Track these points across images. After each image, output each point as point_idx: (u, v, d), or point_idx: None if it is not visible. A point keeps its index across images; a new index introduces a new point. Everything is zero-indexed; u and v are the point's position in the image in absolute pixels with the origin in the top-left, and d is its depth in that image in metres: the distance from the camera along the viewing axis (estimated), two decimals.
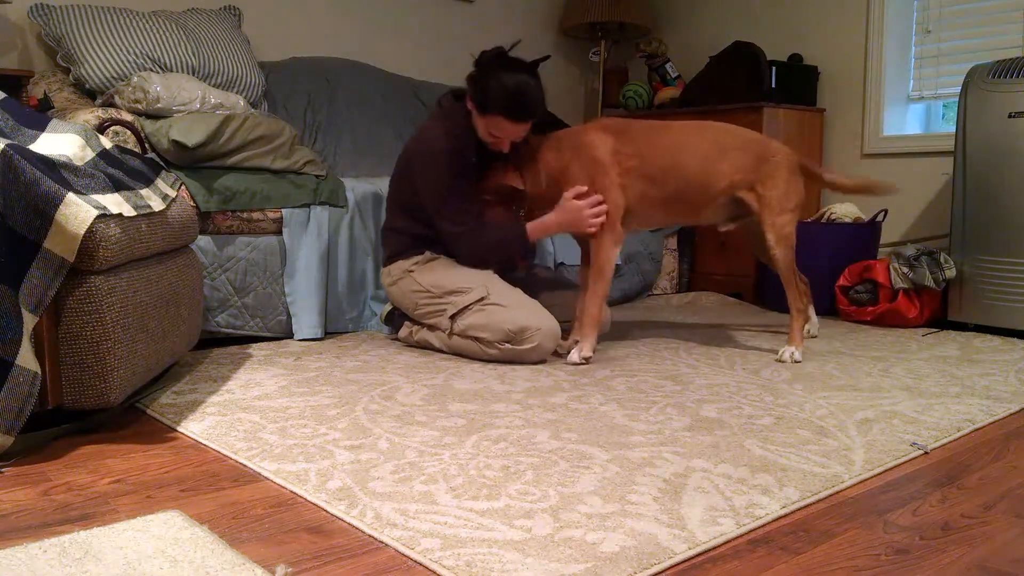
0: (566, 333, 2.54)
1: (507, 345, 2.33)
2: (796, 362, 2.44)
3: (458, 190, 2.42)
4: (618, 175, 2.44)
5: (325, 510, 1.31)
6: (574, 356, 2.37)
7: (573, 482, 1.42)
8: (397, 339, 2.68)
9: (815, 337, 2.82)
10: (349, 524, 1.25)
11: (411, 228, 2.54)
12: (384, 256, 2.62)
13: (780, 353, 2.47)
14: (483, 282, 2.42)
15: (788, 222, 2.52)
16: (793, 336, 2.50)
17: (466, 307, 2.38)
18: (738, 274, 3.75)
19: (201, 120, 2.53)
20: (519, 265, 2.70)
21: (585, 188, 2.40)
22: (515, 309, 2.34)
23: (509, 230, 2.46)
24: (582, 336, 2.43)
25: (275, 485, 1.42)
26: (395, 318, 2.66)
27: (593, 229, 2.40)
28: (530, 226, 2.44)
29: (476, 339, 2.37)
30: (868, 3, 3.69)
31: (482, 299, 2.38)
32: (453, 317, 2.41)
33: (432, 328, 2.51)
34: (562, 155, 2.46)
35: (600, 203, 2.40)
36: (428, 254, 2.53)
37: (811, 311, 2.84)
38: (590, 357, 2.39)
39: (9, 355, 1.51)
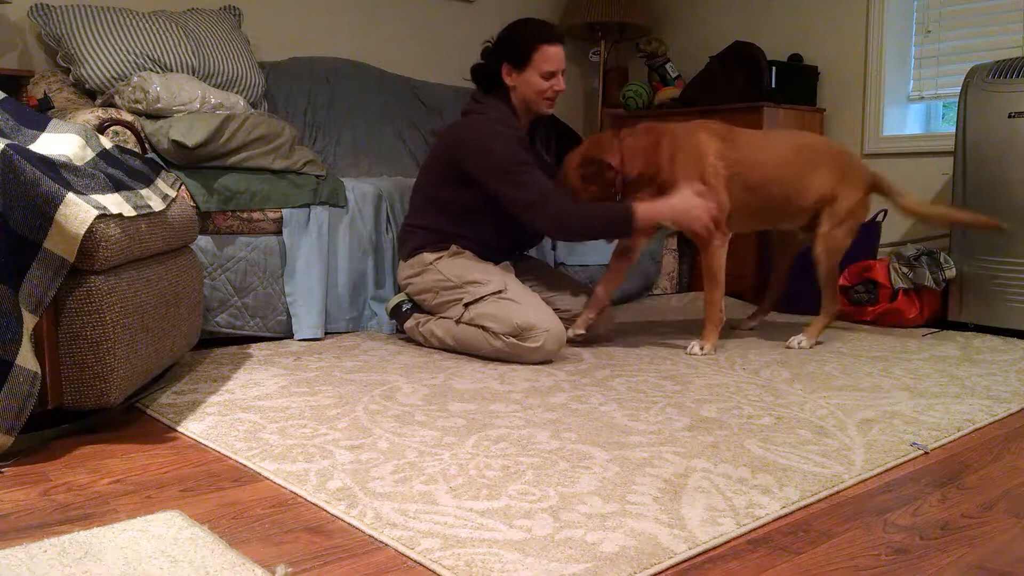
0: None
1: (512, 339, 2.34)
2: (801, 348, 2.63)
3: (526, 162, 2.44)
4: (724, 179, 2.53)
5: (325, 510, 1.31)
6: (695, 349, 2.55)
7: (573, 482, 1.42)
8: (402, 331, 2.69)
9: (752, 329, 2.90)
10: (349, 524, 1.25)
11: (440, 223, 2.58)
12: (406, 250, 2.64)
13: (790, 340, 2.67)
14: (502, 278, 2.47)
15: (843, 236, 2.65)
16: (810, 329, 2.69)
17: (482, 297, 2.42)
18: (738, 274, 3.75)
19: (201, 120, 2.53)
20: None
21: (704, 188, 2.46)
22: (527, 307, 2.37)
23: (616, 206, 2.45)
24: (704, 333, 2.58)
25: (275, 485, 1.42)
26: (401, 312, 2.67)
27: (701, 228, 2.45)
28: (642, 207, 2.39)
29: (483, 328, 2.39)
30: (868, 3, 3.69)
31: (499, 292, 2.42)
32: (468, 305, 2.44)
33: (441, 319, 2.53)
34: (664, 146, 2.51)
35: (707, 200, 2.46)
36: (454, 248, 2.57)
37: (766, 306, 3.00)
38: (711, 352, 2.55)
39: (9, 355, 1.51)
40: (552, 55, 2.51)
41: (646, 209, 2.39)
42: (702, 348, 2.54)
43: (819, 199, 2.61)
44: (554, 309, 2.59)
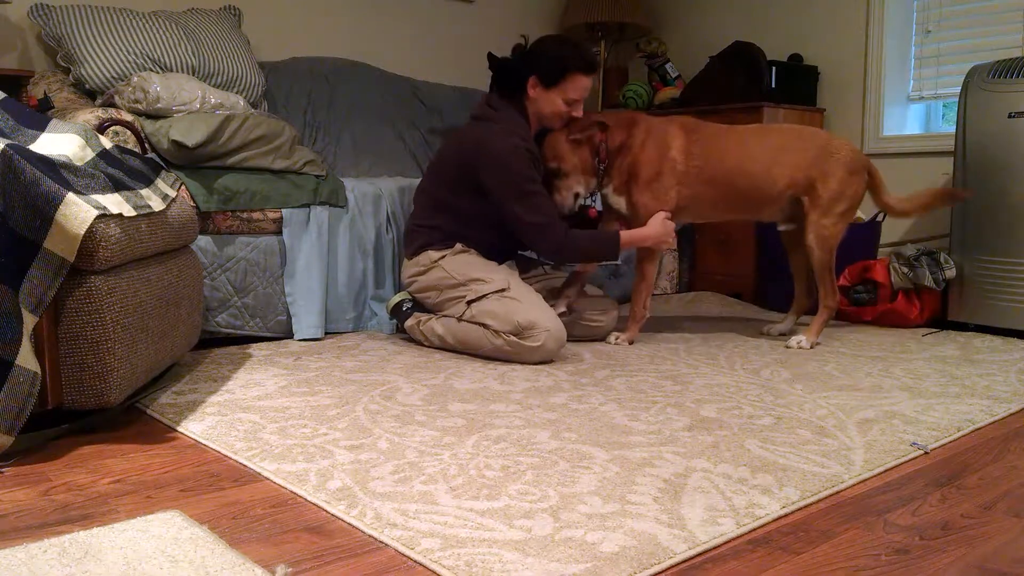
0: (585, 329, 2.70)
1: (513, 337, 2.34)
2: (801, 348, 2.62)
3: (536, 182, 2.49)
4: (680, 174, 2.59)
5: (325, 510, 1.31)
6: (619, 339, 2.68)
7: (573, 482, 1.42)
8: (402, 330, 2.69)
9: (782, 335, 2.86)
10: (349, 524, 1.26)
11: (446, 224, 2.59)
12: (411, 248, 2.65)
13: (789, 340, 2.67)
14: (506, 277, 2.48)
15: (832, 224, 2.63)
16: (811, 328, 2.67)
17: (485, 295, 2.43)
18: (738, 274, 3.75)
19: (201, 120, 2.53)
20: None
21: (669, 214, 2.60)
22: (529, 306, 2.38)
23: (602, 234, 2.56)
24: (627, 331, 2.70)
25: (275, 485, 1.42)
26: (401, 311, 2.67)
27: (667, 249, 2.63)
28: (625, 234, 2.55)
29: (484, 325, 2.39)
30: (868, 3, 3.69)
31: (502, 290, 2.42)
32: (471, 302, 2.44)
33: (443, 316, 2.53)
34: (640, 129, 2.61)
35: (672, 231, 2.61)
36: (459, 246, 2.58)
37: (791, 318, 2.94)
38: (631, 342, 2.69)
39: (9, 355, 1.51)
40: (582, 85, 2.55)
41: (629, 236, 2.56)
42: (616, 339, 2.67)
43: (790, 185, 2.61)
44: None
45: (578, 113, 2.59)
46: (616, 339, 2.68)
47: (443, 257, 2.56)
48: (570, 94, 2.54)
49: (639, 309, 2.69)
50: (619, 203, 2.66)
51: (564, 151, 2.59)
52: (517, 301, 2.39)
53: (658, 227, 2.57)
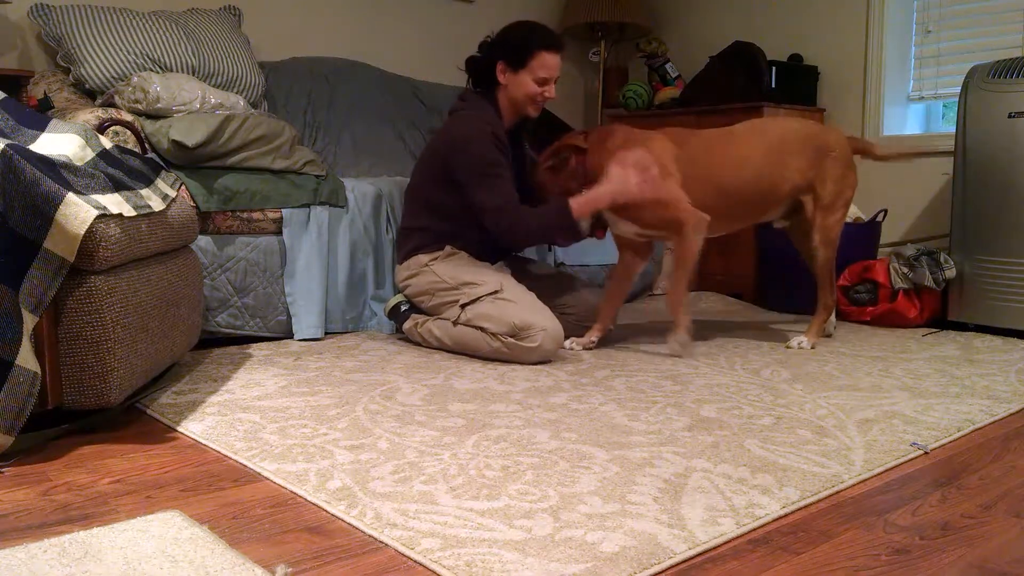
0: (583, 330, 2.64)
1: (510, 339, 2.34)
2: (801, 348, 2.60)
3: (498, 165, 2.45)
4: (679, 181, 2.45)
5: (325, 510, 1.31)
6: (675, 345, 2.47)
7: (573, 482, 1.42)
8: (401, 331, 2.69)
9: (829, 336, 2.81)
10: (349, 524, 1.26)
11: (434, 225, 2.59)
12: (402, 252, 2.65)
13: (790, 340, 2.65)
14: (498, 279, 2.47)
15: (837, 222, 2.62)
16: (812, 329, 2.67)
17: (479, 298, 2.42)
18: (738, 274, 3.75)
19: (201, 120, 2.53)
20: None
21: (643, 153, 2.36)
22: (524, 306, 2.37)
23: (551, 205, 2.41)
24: (675, 323, 2.47)
25: (275, 485, 1.42)
26: (399, 313, 2.67)
27: (642, 193, 2.34)
28: (576, 201, 2.34)
29: (480, 328, 2.39)
30: (868, 3, 3.69)
31: (495, 292, 2.42)
32: (464, 306, 2.44)
33: (439, 320, 2.53)
34: (620, 143, 2.46)
35: (648, 169, 2.34)
36: (449, 249, 2.58)
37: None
38: (687, 342, 2.48)
39: (9, 355, 1.51)
40: (550, 63, 2.52)
41: (582, 201, 2.35)
42: (678, 338, 2.45)
43: (793, 189, 2.55)
44: (558, 309, 2.60)
45: (550, 94, 2.54)
46: (678, 342, 2.44)
47: (433, 260, 2.55)
48: (538, 73, 2.51)
49: (680, 297, 2.45)
50: (626, 228, 2.50)
51: (545, 181, 2.53)
52: (512, 303, 2.38)
53: (611, 179, 2.34)
